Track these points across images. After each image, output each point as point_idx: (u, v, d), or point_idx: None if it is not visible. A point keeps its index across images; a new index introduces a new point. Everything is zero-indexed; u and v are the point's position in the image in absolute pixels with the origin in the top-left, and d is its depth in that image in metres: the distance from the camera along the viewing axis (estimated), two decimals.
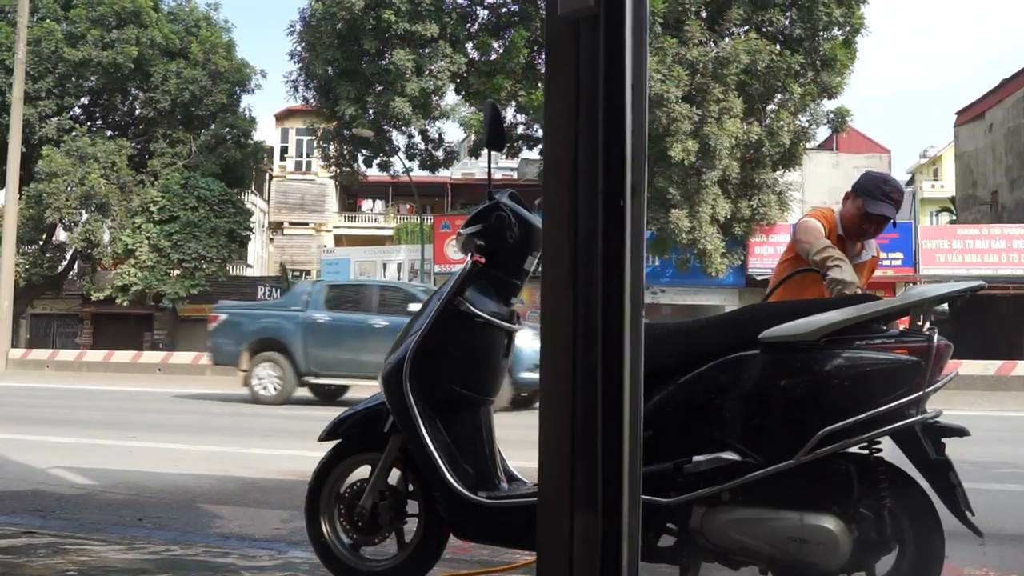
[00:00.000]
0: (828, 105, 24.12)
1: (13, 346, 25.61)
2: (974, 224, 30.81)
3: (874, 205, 3.80)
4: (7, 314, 24.33)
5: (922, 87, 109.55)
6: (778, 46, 22.85)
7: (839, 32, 23.39)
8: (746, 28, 23.27)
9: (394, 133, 26.42)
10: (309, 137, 34.81)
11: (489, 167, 3.31)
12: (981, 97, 34.85)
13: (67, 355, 24.52)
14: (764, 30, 23.02)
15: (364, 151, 26.84)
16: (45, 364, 23.07)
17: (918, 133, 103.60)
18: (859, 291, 3.46)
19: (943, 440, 2.66)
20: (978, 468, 6.35)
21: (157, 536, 4.48)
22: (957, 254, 26.51)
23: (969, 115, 35.86)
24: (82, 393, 15.45)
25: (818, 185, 30.69)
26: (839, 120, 24.16)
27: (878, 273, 4.48)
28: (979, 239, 27.15)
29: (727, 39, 23.27)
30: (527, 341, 10.66)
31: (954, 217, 39.84)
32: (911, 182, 51.46)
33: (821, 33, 23.25)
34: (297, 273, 42.76)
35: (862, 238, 3.93)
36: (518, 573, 3.66)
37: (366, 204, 47.92)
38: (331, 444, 3.40)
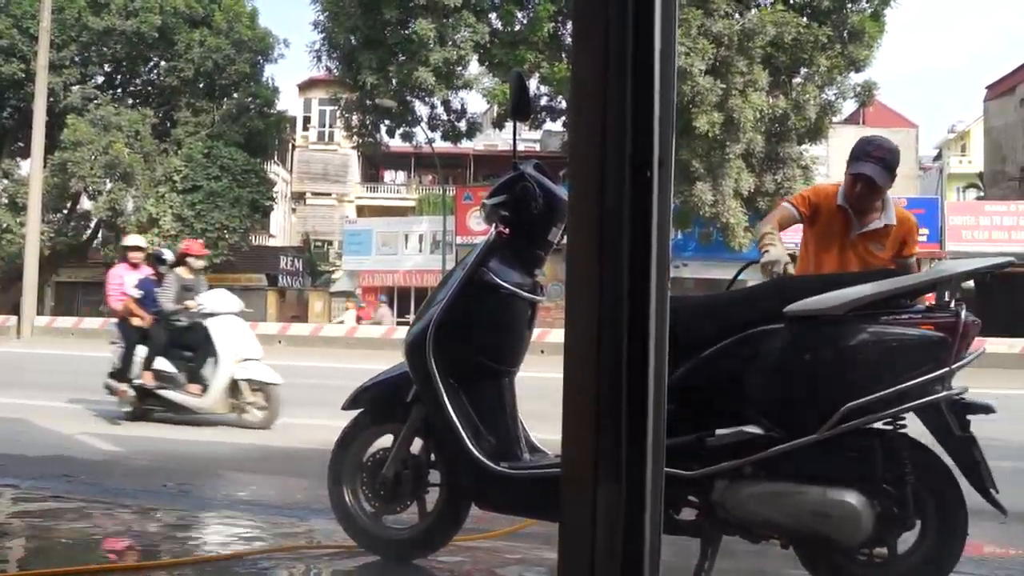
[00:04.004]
0: (855, 78, 23.73)
1: (38, 314, 25.89)
2: (1002, 200, 30.38)
3: (854, 165, 3.85)
4: (33, 282, 24.57)
5: (952, 61, 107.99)
6: (805, 18, 22.50)
7: (867, 4, 23.00)
8: (772, 0, 22.96)
9: (417, 103, 26.30)
10: (332, 107, 34.74)
11: (514, 137, 3.29)
12: (1012, 71, 34.30)
13: (91, 323, 24.71)
14: (791, 2, 22.68)
15: (387, 121, 26.75)
16: (70, 332, 23.30)
17: (946, 108, 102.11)
18: (787, 267, 3.58)
19: (968, 417, 2.64)
20: (1003, 445, 6.30)
21: (181, 502, 4.54)
22: (984, 231, 26.19)
23: (1000, 89, 35.32)
24: (107, 360, 15.55)
25: (844, 159, 30.05)
26: (866, 93, 23.77)
27: None
28: (1007, 215, 26.79)
29: (753, 11, 22.95)
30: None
31: (982, 193, 39.35)
32: (938, 157, 50.85)
33: (849, 5, 22.89)
34: (319, 243, 42.92)
35: (860, 203, 3.92)
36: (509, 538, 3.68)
37: (388, 175, 47.96)
38: (354, 413, 3.43)
